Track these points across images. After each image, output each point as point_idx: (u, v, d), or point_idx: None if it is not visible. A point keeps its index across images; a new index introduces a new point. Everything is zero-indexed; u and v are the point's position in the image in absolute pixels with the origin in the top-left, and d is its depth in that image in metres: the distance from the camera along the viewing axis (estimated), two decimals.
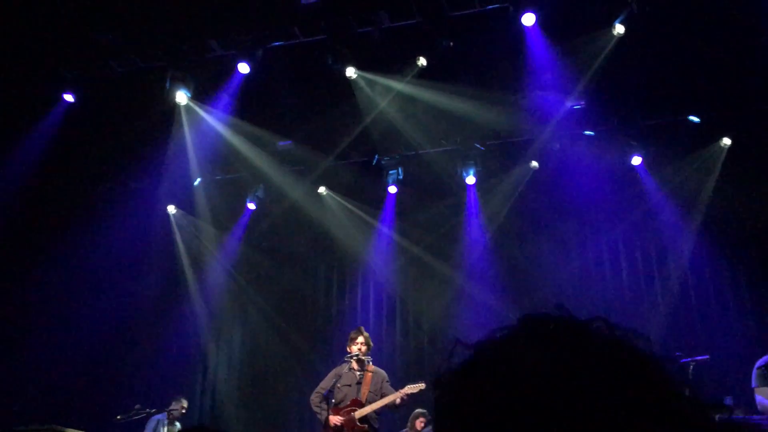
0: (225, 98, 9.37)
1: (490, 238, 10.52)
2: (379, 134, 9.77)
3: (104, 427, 8.26)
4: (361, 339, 6.93)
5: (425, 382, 6.78)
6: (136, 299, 10.77)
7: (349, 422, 6.58)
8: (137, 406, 8.14)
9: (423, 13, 8.20)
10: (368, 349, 6.98)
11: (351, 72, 8.74)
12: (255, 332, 11.38)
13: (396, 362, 10.14)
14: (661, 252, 10.00)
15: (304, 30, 8.61)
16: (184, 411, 8.86)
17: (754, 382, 5.77)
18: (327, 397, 6.67)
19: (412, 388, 6.69)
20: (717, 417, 0.80)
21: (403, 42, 8.57)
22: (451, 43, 8.32)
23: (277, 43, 8.72)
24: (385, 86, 9.08)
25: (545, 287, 10.05)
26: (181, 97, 9.08)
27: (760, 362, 5.81)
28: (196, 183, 10.80)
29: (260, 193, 10.94)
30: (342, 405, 6.72)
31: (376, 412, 6.70)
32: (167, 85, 8.90)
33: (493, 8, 8.14)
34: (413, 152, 10.21)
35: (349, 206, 10.98)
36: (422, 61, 8.71)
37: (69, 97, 9.35)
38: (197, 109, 9.54)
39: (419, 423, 8.45)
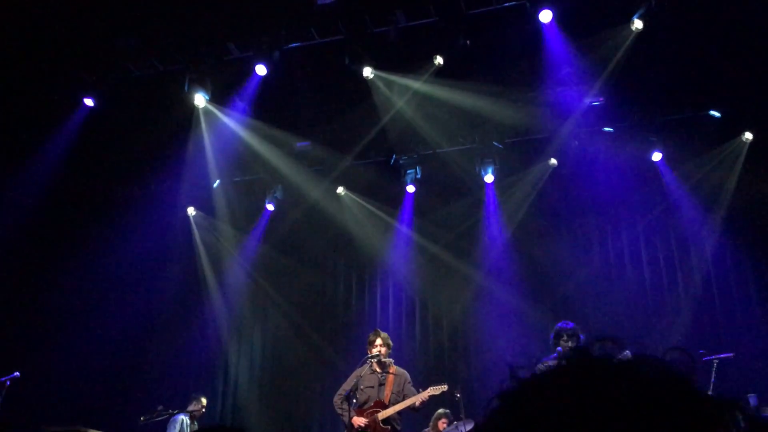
0: (243, 100, 9.41)
1: (510, 237, 10.47)
2: (396, 134, 9.76)
3: (128, 428, 8.33)
4: (379, 341, 6.92)
5: (447, 384, 6.78)
6: (158, 301, 10.85)
7: (373, 423, 6.59)
8: (160, 407, 8.20)
9: (440, 12, 8.19)
10: (388, 349, 6.97)
11: (368, 72, 8.74)
12: (275, 332, 11.42)
13: (416, 362, 10.12)
14: (683, 248, 9.90)
15: (320, 31, 8.62)
16: (203, 410, 8.91)
17: None
18: (349, 398, 6.68)
19: (434, 390, 6.68)
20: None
21: (420, 41, 8.56)
22: (468, 42, 8.29)
23: (294, 45, 8.75)
24: (403, 86, 9.07)
25: (566, 285, 9.98)
26: (200, 99, 9.13)
27: None
28: (215, 185, 10.85)
29: (279, 194, 10.97)
30: (366, 406, 6.72)
31: (399, 413, 6.70)
32: (186, 88, 8.96)
33: (510, 5, 8.11)
34: (431, 151, 10.19)
35: (368, 206, 10.98)
36: (439, 60, 8.69)
37: (89, 101, 9.44)
38: (216, 111, 9.60)
39: (441, 423, 8.43)
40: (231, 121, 9.73)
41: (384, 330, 8.61)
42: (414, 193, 10.60)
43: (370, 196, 10.95)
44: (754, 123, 9.26)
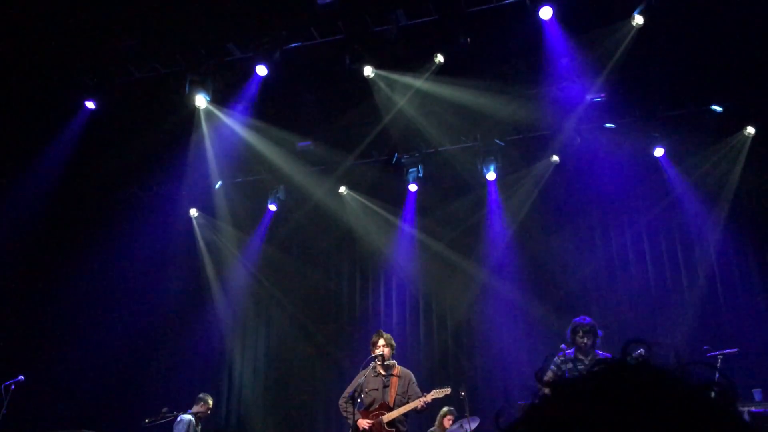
0: (244, 101, 9.41)
1: (513, 234, 10.47)
2: (398, 133, 9.76)
3: (132, 431, 8.33)
4: (381, 341, 6.91)
5: (450, 386, 6.77)
6: (161, 303, 10.86)
7: (378, 426, 6.59)
8: (165, 409, 8.20)
9: (440, 10, 8.18)
10: (392, 349, 6.95)
11: (369, 71, 8.74)
12: (279, 332, 11.42)
13: (420, 360, 10.11)
14: (686, 244, 9.88)
15: (321, 30, 8.62)
16: (209, 411, 8.90)
17: None
18: (354, 400, 6.67)
19: (437, 393, 6.67)
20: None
21: (421, 39, 8.55)
22: (469, 39, 8.28)
23: (294, 45, 8.74)
24: (404, 84, 9.06)
25: (569, 282, 9.97)
26: (201, 100, 9.13)
27: None
28: (217, 186, 10.85)
29: (281, 195, 10.98)
30: (371, 409, 6.72)
31: (403, 414, 6.70)
32: (187, 89, 8.96)
33: (510, 2, 8.09)
34: (433, 150, 10.18)
35: (370, 205, 10.98)
36: (440, 58, 8.68)
37: (91, 104, 9.44)
38: (217, 112, 9.60)
39: (447, 420, 8.44)
40: (232, 122, 9.73)
41: (388, 329, 8.62)
42: (416, 191, 10.60)
43: (372, 195, 10.95)
44: (756, 117, 9.24)
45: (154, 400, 9.03)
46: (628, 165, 9.73)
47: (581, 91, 9.07)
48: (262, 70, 8.81)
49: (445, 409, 8.46)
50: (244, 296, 11.49)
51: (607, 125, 9.51)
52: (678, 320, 9.21)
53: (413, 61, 8.84)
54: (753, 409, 6.75)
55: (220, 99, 9.39)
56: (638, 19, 7.99)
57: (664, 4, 7.91)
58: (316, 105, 9.45)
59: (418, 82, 8.96)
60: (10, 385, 7.48)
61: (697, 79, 8.68)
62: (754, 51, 8.19)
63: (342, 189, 10.92)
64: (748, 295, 9.30)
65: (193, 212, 11.37)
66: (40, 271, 10.71)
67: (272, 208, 11.07)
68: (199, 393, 9.03)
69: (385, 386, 6.79)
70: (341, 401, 6.93)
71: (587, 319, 6.47)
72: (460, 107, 9.09)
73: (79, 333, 10.32)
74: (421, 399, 6.61)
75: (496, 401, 9.53)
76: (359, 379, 6.77)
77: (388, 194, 10.86)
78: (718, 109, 9.08)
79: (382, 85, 9.04)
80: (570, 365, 6.29)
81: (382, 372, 6.86)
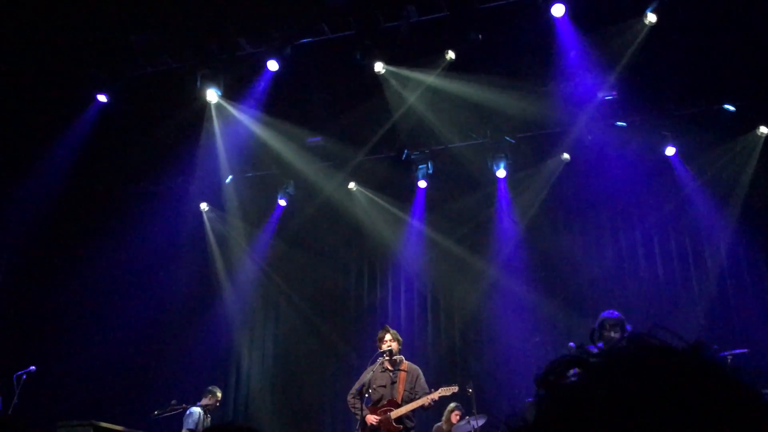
0: (255, 96, 9.43)
1: (522, 231, 10.45)
2: (408, 129, 9.76)
3: (142, 423, 8.38)
4: (388, 337, 6.92)
5: (458, 384, 6.77)
6: (171, 296, 10.91)
7: (385, 422, 6.61)
8: (173, 402, 8.25)
9: (451, 6, 8.16)
10: (399, 344, 6.96)
11: (379, 67, 8.73)
12: (287, 327, 11.46)
13: (428, 356, 10.12)
14: (696, 243, 9.84)
15: (332, 26, 8.63)
16: (217, 404, 8.95)
17: None
18: (362, 395, 6.69)
19: (445, 391, 6.68)
20: None
21: (432, 36, 8.54)
22: (480, 36, 8.26)
23: (305, 40, 8.75)
24: (414, 81, 9.05)
25: (579, 280, 9.95)
26: (212, 95, 9.16)
27: None
28: (227, 180, 10.89)
29: (291, 190, 11.00)
30: (379, 405, 6.74)
31: (411, 410, 6.71)
32: (198, 84, 8.99)
33: None
34: (443, 146, 10.17)
35: (380, 201, 10.98)
36: (451, 55, 8.67)
37: (102, 98, 9.49)
38: (228, 107, 9.62)
39: (454, 416, 8.46)
40: (243, 117, 9.75)
41: (396, 325, 8.64)
42: (426, 188, 10.59)
43: (381, 191, 10.95)
44: None
45: (163, 393, 9.08)
46: (639, 163, 9.68)
47: (592, 89, 9.04)
48: (273, 66, 8.83)
49: (452, 405, 8.47)
50: (252, 290, 11.53)
51: (619, 123, 9.47)
52: (688, 320, 9.17)
53: (424, 57, 8.84)
54: None
55: (231, 94, 9.42)
56: (651, 17, 7.95)
57: (677, 2, 7.87)
58: (326, 100, 9.46)
59: (429, 79, 8.95)
60: (22, 375, 7.55)
61: (710, 77, 8.63)
62: None
63: (351, 185, 10.93)
64: (758, 296, 9.24)
65: (204, 206, 11.41)
66: (52, 264, 10.78)
67: (282, 203, 11.10)
68: (207, 386, 9.09)
69: (393, 382, 6.80)
70: (349, 397, 6.95)
71: (615, 312, 6.38)
72: (470, 104, 9.08)
73: (89, 325, 10.39)
74: (429, 396, 6.62)
75: (504, 398, 9.53)
76: (367, 375, 6.79)
77: (398, 190, 10.86)
78: (731, 108, 9.01)
79: (392, 81, 9.04)
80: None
81: (390, 367, 6.88)
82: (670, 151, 9.59)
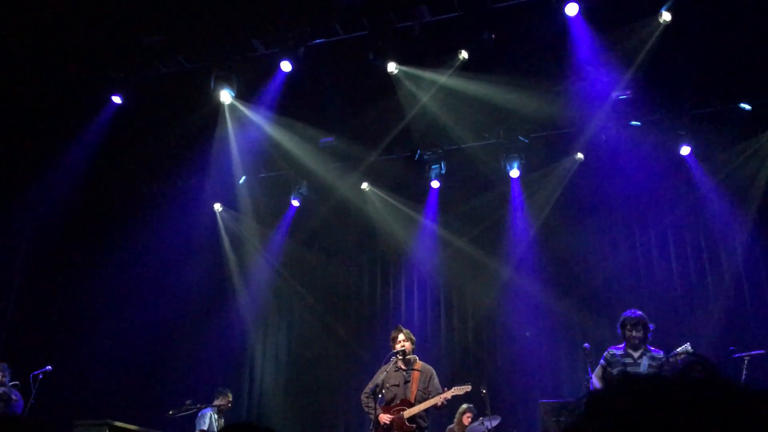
0: (268, 96, 9.46)
1: (536, 231, 10.41)
2: (421, 129, 9.75)
3: (157, 422, 8.43)
4: (401, 336, 6.91)
5: (471, 383, 6.75)
6: (185, 296, 10.97)
7: (398, 421, 6.60)
8: (188, 402, 8.28)
9: (464, 6, 8.15)
10: (412, 344, 6.96)
11: (392, 67, 8.73)
12: (300, 327, 11.49)
13: (441, 357, 10.11)
14: (712, 243, 9.76)
15: (345, 26, 8.63)
16: (230, 404, 8.99)
17: None
18: (375, 395, 6.69)
19: (457, 390, 6.66)
20: None
21: (445, 36, 8.53)
22: (493, 36, 8.24)
23: (318, 41, 8.77)
24: (427, 81, 9.04)
25: (593, 280, 9.91)
26: (226, 96, 9.20)
27: None
28: (241, 181, 10.93)
29: (304, 190, 11.03)
30: (393, 404, 6.74)
31: (424, 410, 6.70)
32: (212, 84, 9.03)
33: None
34: (456, 146, 10.16)
35: (393, 201, 10.98)
36: (464, 55, 8.65)
37: (117, 99, 9.55)
38: (241, 107, 9.66)
39: (466, 418, 8.44)
40: (256, 118, 9.79)
41: (409, 325, 8.64)
42: (439, 188, 10.58)
43: (394, 191, 10.95)
44: None
45: (178, 393, 9.14)
46: (654, 163, 9.62)
47: (606, 88, 8.99)
48: (286, 66, 8.86)
49: (464, 406, 8.45)
50: (266, 290, 11.57)
51: (633, 123, 9.41)
52: (703, 320, 9.11)
53: (437, 57, 8.82)
54: None
55: (244, 95, 9.45)
56: (665, 16, 7.90)
57: (691, 0, 7.80)
58: (339, 101, 9.47)
59: (442, 79, 8.93)
60: (38, 374, 7.61)
61: (725, 76, 8.56)
62: None
63: (364, 185, 10.94)
64: None
65: (217, 207, 11.47)
66: (68, 265, 10.86)
67: (295, 203, 11.13)
68: (220, 386, 9.13)
69: (406, 381, 6.79)
70: (363, 396, 6.95)
71: (637, 312, 6.29)
72: (483, 104, 9.05)
73: (105, 325, 10.47)
74: (441, 396, 6.60)
75: (517, 399, 9.51)
76: (381, 374, 6.78)
77: (411, 190, 10.86)
78: (747, 107, 8.93)
79: (405, 81, 9.03)
80: (619, 361, 6.13)
81: (403, 367, 6.87)
82: (685, 150, 9.51)
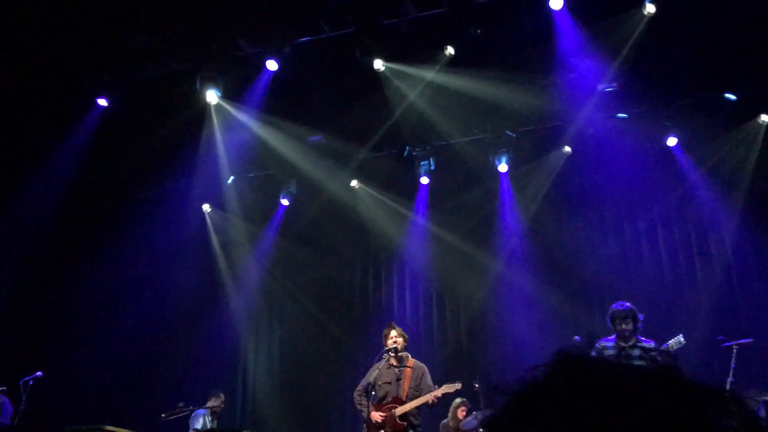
0: (255, 96, 9.42)
1: (526, 225, 10.45)
2: (409, 126, 9.75)
3: (149, 426, 8.41)
4: (393, 333, 6.92)
5: (461, 382, 6.76)
6: (176, 298, 10.93)
7: (390, 419, 6.61)
8: (181, 404, 8.26)
9: (449, 2, 8.14)
10: (404, 341, 6.96)
11: (379, 64, 8.72)
12: (292, 325, 11.48)
13: (434, 352, 10.13)
14: (700, 233, 9.82)
15: (330, 24, 8.61)
16: (222, 406, 8.98)
17: None
18: (368, 393, 6.69)
19: (448, 388, 6.67)
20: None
21: (431, 32, 8.53)
22: (479, 31, 8.24)
23: (304, 39, 8.74)
24: (414, 77, 9.04)
25: (583, 272, 9.95)
26: (212, 96, 9.15)
27: None
28: (229, 181, 10.90)
29: (293, 189, 11.01)
30: (384, 402, 6.74)
31: (416, 407, 6.71)
32: (198, 85, 8.99)
33: None
34: (444, 142, 10.17)
35: (383, 198, 10.98)
36: (450, 50, 8.65)
37: (103, 102, 9.50)
38: (228, 108, 9.62)
39: (460, 412, 8.46)
40: (244, 117, 9.75)
41: (401, 321, 8.65)
42: (428, 184, 10.59)
43: (384, 188, 10.95)
44: None
45: (170, 395, 9.12)
46: (641, 155, 9.67)
47: (593, 81, 9.01)
48: (272, 65, 8.83)
49: (458, 400, 8.47)
50: (257, 290, 11.55)
51: (620, 115, 9.45)
52: (692, 310, 9.17)
53: (423, 53, 8.82)
54: None
55: (231, 94, 9.41)
56: (650, 8, 7.92)
57: None
58: (326, 99, 9.45)
59: (429, 75, 8.93)
60: (29, 380, 7.57)
61: (710, 67, 8.60)
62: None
63: (354, 183, 10.93)
64: (763, 285, 9.22)
65: (206, 207, 11.42)
66: (57, 269, 10.80)
67: (284, 202, 11.11)
68: (212, 387, 9.12)
69: (398, 379, 6.80)
70: (355, 394, 6.96)
71: (625, 304, 6.30)
72: (470, 99, 9.06)
73: (95, 329, 10.42)
74: (432, 393, 6.61)
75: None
76: (373, 372, 6.79)
77: (400, 187, 10.87)
78: (732, 97, 8.99)
79: (392, 78, 9.02)
80: (611, 353, 6.13)
81: (396, 364, 6.88)
82: (671, 141, 9.57)
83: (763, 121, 9.26)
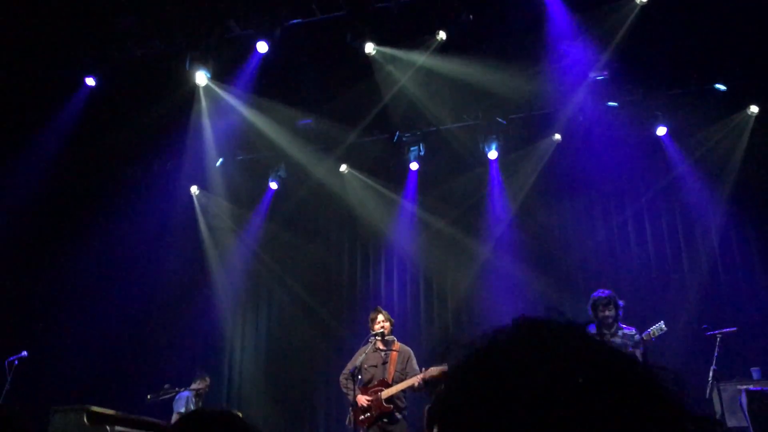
0: (244, 78, 9.36)
1: (515, 212, 10.46)
2: (399, 111, 9.72)
3: (135, 407, 8.39)
4: (380, 317, 6.94)
5: (447, 365, 6.76)
6: (163, 280, 10.88)
7: (376, 402, 6.63)
8: (166, 386, 8.24)
9: None
10: (391, 325, 6.98)
11: (370, 48, 8.67)
12: (279, 309, 11.47)
13: (421, 339, 10.14)
14: (687, 222, 9.88)
15: (322, 7, 8.55)
16: (207, 388, 8.97)
17: None
18: (354, 376, 6.70)
19: (434, 370, 6.68)
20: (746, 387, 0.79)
21: (422, 16, 8.50)
22: (471, 16, 8.21)
23: (295, 21, 8.68)
24: (405, 62, 9.00)
25: (570, 259, 9.99)
26: (201, 78, 9.08)
27: None
28: (218, 163, 10.84)
29: (282, 173, 10.96)
30: (370, 385, 6.76)
31: (402, 390, 6.73)
32: (187, 66, 8.91)
33: None
34: (434, 128, 10.15)
35: (372, 183, 10.96)
36: (442, 35, 8.62)
37: (91, 81, 9.40)
38: (217, 89, 9.55)
39: None
40: (233, 100, 9.69)
41: (389, 307, 8.65)
42: (417, 170, 10.58)
43: (373, 173, 10.93)
44: (760, 96, 9.18)
45: (156, 377, 9.09)
46: (630, 143, 9.70)
47: (584, 69, 9.02)
48: (262, 47, 8.76)
49: (443, 386, 8.50)
50: (244, 273, 11.52)
51: (610, 104, 9.46)
52: (678, 298, 9.23)
53: (415, 38, 8.78)
54: (751, 387, 6.78)
55: (220, 76, 9.34)
56: None
57: None
58: (316, 82, 9.40)
59: (420, 60, 8.90)
60: (14, 360, 7.53)
61: (701, 57, 8.62)
62: (759, 29, 8.11)
63: (343, 167, 10.90)
64: (748, 274, 9.30)
65: (194, 190, 11.36)
66: (42, 249, 10.73)
67: (273, 186, 11.06)
68: (197, 369, 9.11)
69: (384, 362, 6.82)
70: (342, 378, 6.97)
71: (605, 291, 6.34)
72: (461, 85, 9.04)
73: (81, 309, 10.37)
74: (418, 376, 6.63)
75: None
76: (360, 356, 6.80)
77: (390, 172, 10.85)
78: (722, 87, 9.01)
79: (383, 62, 8.98)
80: None
81: (382, 347, 6.90)
82: (661, 130, 9.60)
83: (753, 112, 9.29)
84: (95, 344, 10.10)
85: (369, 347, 6.82)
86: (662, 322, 6.51)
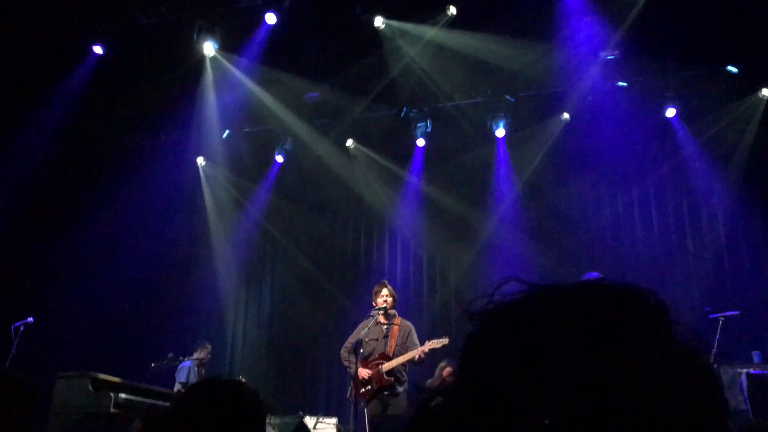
0: (253, 50, 9.30)
1: (520, 190, 10.44)
2: (407, 86, 9.65)
3: (139, 375, 8.47)
4: (385, 291, 6.95)
5: (448, 338, 6.79)
6: (168, 250, 10.93)
7: (377, 375, 6.67)
8: (170, 355, 8.32)
9: None
10: (394, 301, 7.00)
11: (379, 22, 8.60)
12: (283, 281, 11.53)
13: (423, 315, 10.19)
14: (694, 205, 9.85)
15: None
16: (209, 356, 9.04)
17: None
18: (355, 350, 6.74)
19: (434, 343, 6.71)
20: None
21: None
22: None
23: None
24: (414, 36, 8.92)
25: (575, 240, 9.99)
26: (209, 48, 9.03)
27: None
28: (224, 135, 10.82)
29: (288, 146, 10.94)
30: (371, 358, 6.80)
31: (403, 364, 6.77)
32: (195, 36, 8.86)
33: None
34: (441, 104, 10.09)
35: (378, 158, 10.94)
36: (452, 10, 8.53)
37: (98, 49, 9.36)
38: (224, 61, 9.50)
39: (446, 372, 8.54)
40: (240, 71, 9.64)
41: (392, 280, 8.68)
42: (424, 146, 10.54)
43: (379, 149, 10.90)
44: None
45: (160, 345, 9.17)
46: (639, 124, 9.64)
47: (594, 49, 8.92)
48: (271, 18, 8.69)
49: (444, 362, 8.54)
50: (249, 245, 11.56)
51: (620, 84, 9.38)
52: (681, 280, 9.23)
53: (425, 12, 8.70)
54: (752, 371, 6.81)
55: (228, 47, 9.29)
56: None
57: None
58: (325, 55, 9.33)
59: (429, 34, 8.82)
60: (20, 326, 7.58)
61: (713, 38, 8.51)
62: None
63: (349, 142, 10.87)
64: (753, 258, 9.29)
65: (200, 161, 11.36)
66: (49, 216, 10.76)
67: (279, 159, 11.05)
68: (199, 339, 9.17)
69: (386, 336, 6.86)
70: (343, 351, 7.01)
71: (594, 274, 6.37)
72: (470, 61, 8.97)
73: (87, 277, 10.43)
74: (419, 349, 6.66)
75: None
76: (362, 330, 6.84)
77: (396, 148, 10.82)
78: (734, 69, 8.92)
79: (392, 36, 8.90)
80: None
81: (384, 321, 6.93)
82: (670, 112, 9.52)
83: (764, 96, 9.21)
84: (100, 312, 10.17)
85: (371, 321, 6.85)
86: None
